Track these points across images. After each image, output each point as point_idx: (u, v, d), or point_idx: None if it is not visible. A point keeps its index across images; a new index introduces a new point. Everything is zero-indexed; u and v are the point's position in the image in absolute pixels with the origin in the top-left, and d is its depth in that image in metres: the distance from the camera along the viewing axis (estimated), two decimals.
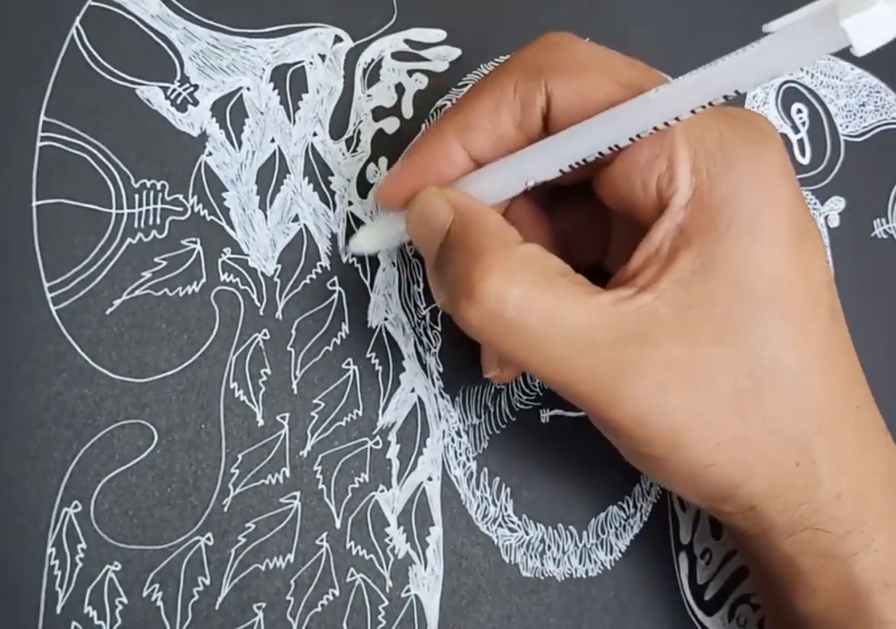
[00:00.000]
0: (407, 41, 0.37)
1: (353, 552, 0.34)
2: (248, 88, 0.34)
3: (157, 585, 0.32)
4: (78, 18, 0.32)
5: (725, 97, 0.26)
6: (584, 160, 0.29)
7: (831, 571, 0.31)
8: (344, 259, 0.35)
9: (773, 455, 0.29)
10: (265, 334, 0.34)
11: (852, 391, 0.31)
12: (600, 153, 0.29)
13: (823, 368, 0.30)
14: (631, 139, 0.28)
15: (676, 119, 0.27)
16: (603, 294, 0.28)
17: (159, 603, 0.32)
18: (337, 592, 0.34)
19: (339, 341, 0.35)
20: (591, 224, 0.34)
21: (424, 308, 0.36)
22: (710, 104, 0.27)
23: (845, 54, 0.44)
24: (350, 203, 0.36)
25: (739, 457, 0.29)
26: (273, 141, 0.35)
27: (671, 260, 0.29)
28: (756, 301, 0.28)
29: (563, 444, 0.37)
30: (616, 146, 0.29)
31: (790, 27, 0.25)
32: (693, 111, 0.27)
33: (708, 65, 0.27)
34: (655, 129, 0.28)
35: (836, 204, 0.43)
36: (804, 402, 0.29)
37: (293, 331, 0.34)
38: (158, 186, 0.33)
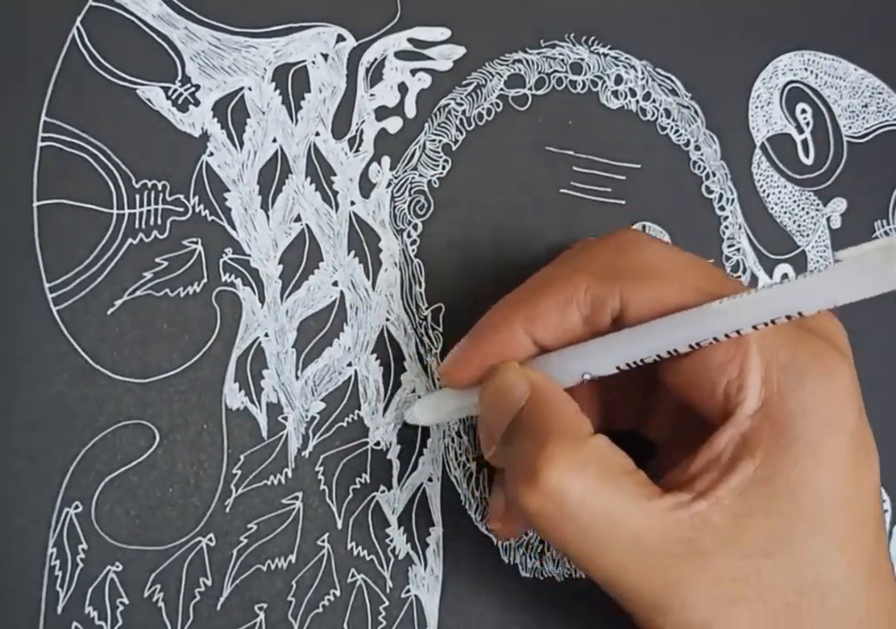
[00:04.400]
0: (410, 40, 0.37)
1: (354, 553, 0.34)
2: (250, 88, 0.34)
3: (158, 586, 0.32)
4: (79, 19, 0.32)
5: (788, 317, 0.27)
6: (642, 361, 0.30)
7: None
8: (390, 428, 0.35)
9: None
10: (266, 335, 0.34)
11: (885, 604, 0.31)
12: (659, 356, 0.30)
13: (865, 585, 0.30)
14: (691, 346, 0.29)
15: (738, 333, 0.28)
16: (663, 499, 0.29)
17: (160, 603, 0.32)
18: (338, 593, 0.34)
19: (340, 342, 0.35)
20: (633, 390, 0.35)
21: (426, 309, 0.36)
22: (773, 322, 0.27)
23: (847, 54, 0.44)
24: (352, 203, 0.35)
25: None
26: (275, 141, 0.34)
27: (731, 467, 0.29)
28: (809, 518, 0.29)
29: None
30: (675, 351, 0.29)
31: (858, 258, 0.25)
32: (755, 327, 0.28)
33: (775, 283, 0.27)
34: (716, 339, 0.28)
35: (839, 205, 0.43)
36: (844, 617, 0.29)
37: (295, 332, 0.34)
38: (159, 187, 0.33)
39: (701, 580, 0.28)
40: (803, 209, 0.42)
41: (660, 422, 0.34)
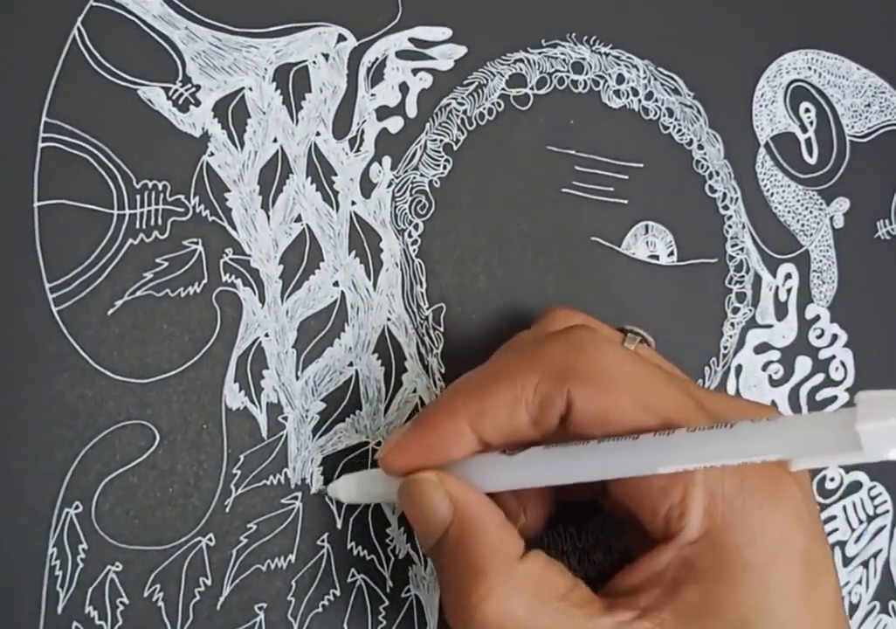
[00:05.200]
0: (411, 39, 0.37)
1: (354, 552, 0.34)
2: (251, 88, 0.34)
3: (158, 585, 0.32)
4: (80, 19, 0.32)
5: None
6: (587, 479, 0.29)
7: None
8: (312, 490, 0.34)
9: None
10: (266, 335, 0.34)
11: None
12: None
13: None
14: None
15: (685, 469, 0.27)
16: (602, 620, 0.28)
17: (160, 603, 0.32)
18: (338, 592, 0.34)
19: (341, 341, 0.35)
20: None
21: (427, 309, 0.36)
22: (723, 465, 0.27)
23: (851, 53, 0.44)
24: (353, 203, 0.35)
25: None
26: (275, 141, 0.34)
27: (676, 590, 0.29)
28: None
29: None
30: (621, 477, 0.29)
31: (810, 417, 0.25)
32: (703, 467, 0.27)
33: (729, 426, 0.27)
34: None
35: (841, 205, 0.43)
36: None
37: (295, 332, 0.34)
38: (160, 187, 0.33)
39: None
40: (807, 208, 0.42)
41: (615, 503, 0.32)
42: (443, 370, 0.36)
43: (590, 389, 0.29)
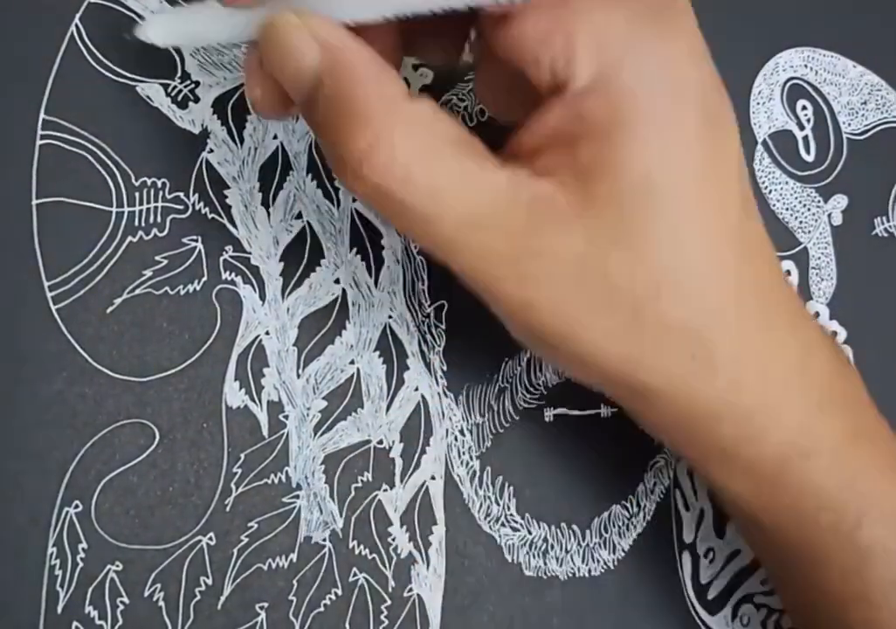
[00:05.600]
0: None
1: (356, 551, 0.34)
2: None
3: (158, 585, 0.32)
4: (78, 15, 0.32)
5: None
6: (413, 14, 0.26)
7: (744, 453, 0.30)
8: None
9: (667, 349, 0.28)
10: (267, 332, 0.34)
11: (762, 282, 0.30)
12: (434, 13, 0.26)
13: (731, 264, 0.28)
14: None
15: None
16: (497, 172, 0.26)
17: (161, 603, 0.32)
18: (339, 592, 0.34)
19: (342, 339, 0.35)
20: (453, 37, 0.31)
21: (429, 306, 0.36)
22: None
23: (847, 51, 0.44)
24: (354, 200, 0.35)
25: (631, 350, 0.28)
26: (276, 137, 0.34)
27: (572, 149, 0.26)
28: (661, 200, 0.27)
29: (567, 443, 0.37)
30: (451, 8, 0.25)
31: None
32: None
33: None
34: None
35: (839, 202, 0.43)
36: (706, 300, 0.28)
37: (296, 329, 0.34)
38: (159, 184, 0.33)
39: (544, 259, 0.27)
40: (805, 205, 0.42)
41: (490, 81, 0.30)
42: (445, 368, 0.36)
43: None
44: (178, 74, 0.33)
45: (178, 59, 0.33)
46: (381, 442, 0.35)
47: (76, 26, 0.32)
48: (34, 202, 0.31)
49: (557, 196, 0.26)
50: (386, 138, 0.25)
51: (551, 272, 0.27)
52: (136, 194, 0.32)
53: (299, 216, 0.34)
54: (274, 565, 0.33)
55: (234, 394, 0.33)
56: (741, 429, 0.29)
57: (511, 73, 0.28)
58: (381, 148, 0.25)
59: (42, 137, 0.31)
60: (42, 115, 0.32)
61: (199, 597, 0.32)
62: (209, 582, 0.32)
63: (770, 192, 0.42)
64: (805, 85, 0.43)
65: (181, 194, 0.33)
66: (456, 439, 0.36)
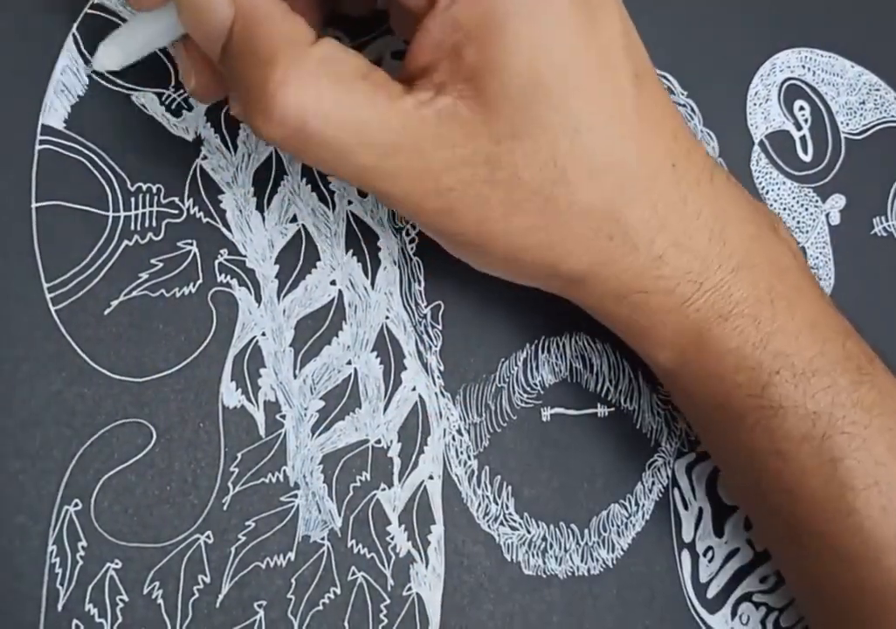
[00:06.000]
0: (407, 41, 0.37)
1: (355, 550, 0.35)
2: None
3: (157, 583, 0.32)
4: (75, 25, 0.33)
5: None
6: None
7: (670, 323, 0.32)
8: (86, 72, 0.33)
9: (585, 233, 0.30)
10: (263, 334, 0.34)
11: (668, 149, 0.31)
12: None
13: (632, 138, 0.30)
14: None
15: None
16: (404, 99, 0.28)
17: (160, 601, 0.32)
18: (338, 591, 0.34)
19: (339, 340, 0.35)
20: None
21: (425, 307, 0.36)
22: None
23: (845, 51, 0.44)
24: (350, 202, 0.36)
25: (551, 240, 0.30)
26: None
27: (458, 57, 0.28)
28: (551, 88, 0.28)
29: (565, 443, 0.37)
30: None
31: None
32: None
33: None
34: None
35: (837, 201, 0.43)
36: (613, 178, 0.29)
37: (292, 331, 0.34)
38: (154, 190, 0.33)
39: (454, 166, 0.28)
40: (802, 206, 0.42)
41: (396, 15, 0.31)
42: (441, 368, 0.36)
43: None
44: (172, 83, 0.34)
45: (171, 68, 0.34)
46: (378, 441, 0.35)
47: (73, 35, 0.33)
48: (34, 205, 0.32)
49: (459, 106, 0.28)
50: (296, 76, 0.27)
51: (466, 179, 0.28)
52: (132, 199, 0.33)
53: (294, 219, 0.35)
54: (272, 564, 0.33)
55: (230, 395, 0.33)
56: (667, 299, 0.31)
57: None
58: (293, 85, 0.27)
59: (41, 143, 0.32)
60: (41, 122, 0.32)
61: (197, 596, 0.32)
62: (207, 580, 0.33)
63: (767, 192, 0.42)
64: (802, 85, 0.43)
65: (176, 199, 0.33)
66: (454, 439, 0.36)
